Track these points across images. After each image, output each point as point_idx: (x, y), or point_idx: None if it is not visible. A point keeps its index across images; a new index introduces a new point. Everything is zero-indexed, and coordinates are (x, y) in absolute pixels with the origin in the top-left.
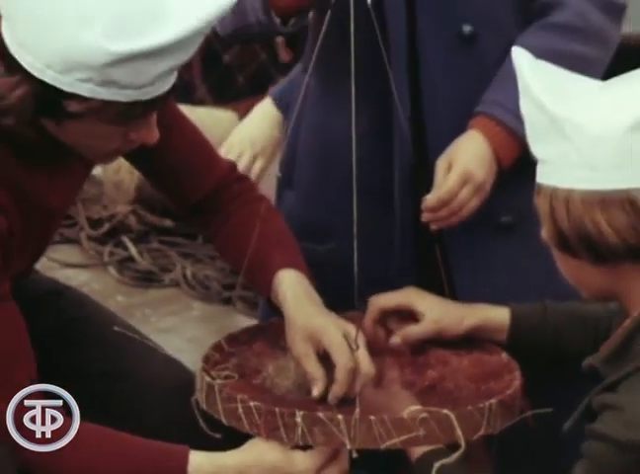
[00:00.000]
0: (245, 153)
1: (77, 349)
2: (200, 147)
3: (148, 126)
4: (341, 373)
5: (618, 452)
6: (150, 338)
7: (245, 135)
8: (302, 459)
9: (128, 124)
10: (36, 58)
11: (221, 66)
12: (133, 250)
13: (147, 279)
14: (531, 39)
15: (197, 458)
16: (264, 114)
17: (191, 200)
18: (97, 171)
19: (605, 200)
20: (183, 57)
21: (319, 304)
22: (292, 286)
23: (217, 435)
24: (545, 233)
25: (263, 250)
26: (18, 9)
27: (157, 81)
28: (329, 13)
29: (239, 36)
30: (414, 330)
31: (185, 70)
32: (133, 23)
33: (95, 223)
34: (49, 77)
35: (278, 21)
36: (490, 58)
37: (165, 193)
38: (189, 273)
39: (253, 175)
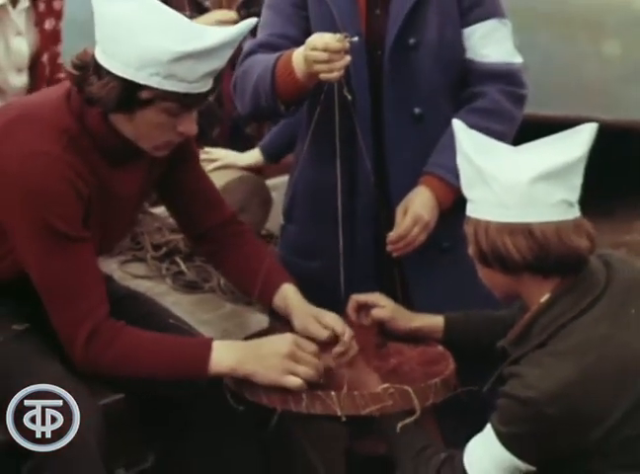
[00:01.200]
0: (220, 160)
1: None
2: (209, 191)
3: (191, 120)
4: (347, 337)
5: (519, 406)
6: (194, 327)
7: (230, 154)
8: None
9: (179, 116)
10: (118, 61)
11: (243, 136)
12: (183, 266)
13: (192, 287)
14: (462, 119)
15: (218, 343)
16: (251, 155)
17: (198, 230)
18: (157, 210)
19: (512, 230)
20: (218, 63)
21: None
22: (294, 294)
23: (241, 408)
24: (471, 251)
25: (264, 273)
26: (108, 28)
27: (201, 80)
28: (318, 108)
29: (255, 115)
30: (379, 311)
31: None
32: (189, 33)
33: (156, 247)
34: (129, 74)
35: (282, 107)
36: (434, 131)
37: (178, 220)
38: (222, 282)
39: (210, 166)
